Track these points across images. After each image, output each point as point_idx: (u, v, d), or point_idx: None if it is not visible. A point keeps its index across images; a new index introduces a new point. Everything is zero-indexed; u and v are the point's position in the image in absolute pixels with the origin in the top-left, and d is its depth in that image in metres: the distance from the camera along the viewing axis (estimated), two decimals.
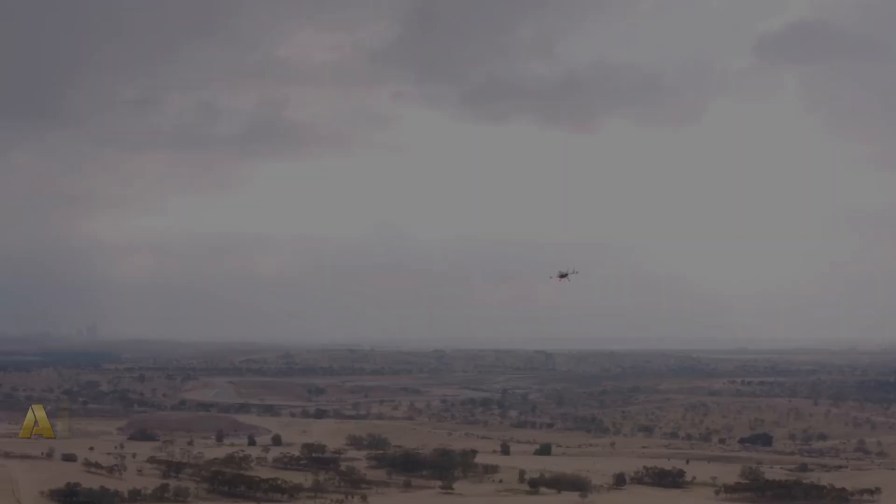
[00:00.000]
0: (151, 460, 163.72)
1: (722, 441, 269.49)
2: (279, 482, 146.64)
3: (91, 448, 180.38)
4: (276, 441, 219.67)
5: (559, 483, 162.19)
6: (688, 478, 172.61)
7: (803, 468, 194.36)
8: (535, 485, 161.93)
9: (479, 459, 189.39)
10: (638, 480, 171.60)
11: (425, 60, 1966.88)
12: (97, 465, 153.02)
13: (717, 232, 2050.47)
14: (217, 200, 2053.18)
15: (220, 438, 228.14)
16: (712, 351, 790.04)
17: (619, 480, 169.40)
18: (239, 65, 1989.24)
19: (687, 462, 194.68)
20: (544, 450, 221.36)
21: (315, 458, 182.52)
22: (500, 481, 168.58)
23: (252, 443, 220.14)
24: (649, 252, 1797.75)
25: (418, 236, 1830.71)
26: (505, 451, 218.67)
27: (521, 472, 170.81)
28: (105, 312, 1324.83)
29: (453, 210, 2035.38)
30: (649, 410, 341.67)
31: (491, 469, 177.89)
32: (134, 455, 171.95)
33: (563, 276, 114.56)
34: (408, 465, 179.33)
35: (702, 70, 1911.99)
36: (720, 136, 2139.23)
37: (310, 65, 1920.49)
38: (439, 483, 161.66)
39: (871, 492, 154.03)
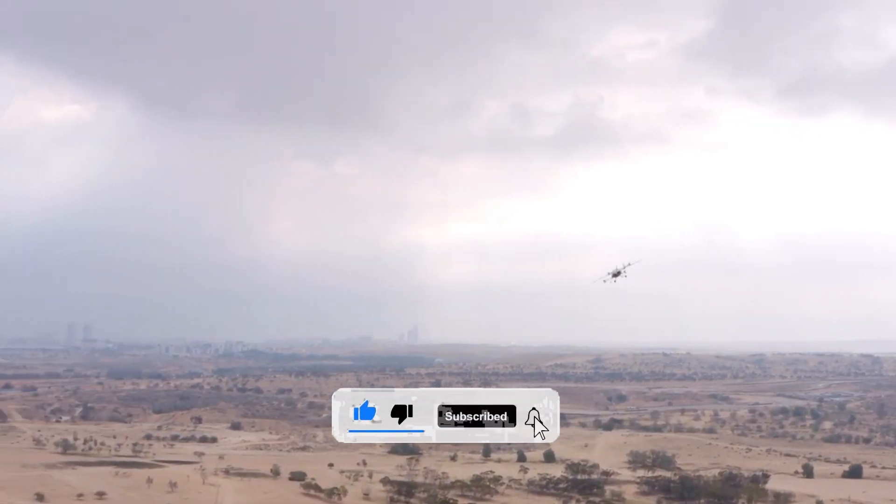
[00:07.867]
0: (385, 481, 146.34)
1: None
2: None
3: (330, 464, 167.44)
4: (549, 457, 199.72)
5: None
6: None
7: None
8: None
9: (772, 484, 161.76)
10: None
11: (739, 53, 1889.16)
12: (317, 487, 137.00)
13: None
14: (534, 203, 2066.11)
15: (487, 453, 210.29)
16: None
17: None
18: (552, 66, 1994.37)
19: None
20: (854, 472, 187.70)
21: (577, 482, 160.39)
22: None
23: (521, 458, 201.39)
24: None
25: (740, 235, 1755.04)
26: (808, 472, 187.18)
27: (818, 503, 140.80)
28: (426, 317, 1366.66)
29: (775, 207, 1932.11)
30: None
31: (783, 498, 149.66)
32: (370, 474, 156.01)
33: (616, 274, 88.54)
34: (684, 492, 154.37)
35: None
36: None
37: (624, 63, 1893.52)
38: None
39: None
